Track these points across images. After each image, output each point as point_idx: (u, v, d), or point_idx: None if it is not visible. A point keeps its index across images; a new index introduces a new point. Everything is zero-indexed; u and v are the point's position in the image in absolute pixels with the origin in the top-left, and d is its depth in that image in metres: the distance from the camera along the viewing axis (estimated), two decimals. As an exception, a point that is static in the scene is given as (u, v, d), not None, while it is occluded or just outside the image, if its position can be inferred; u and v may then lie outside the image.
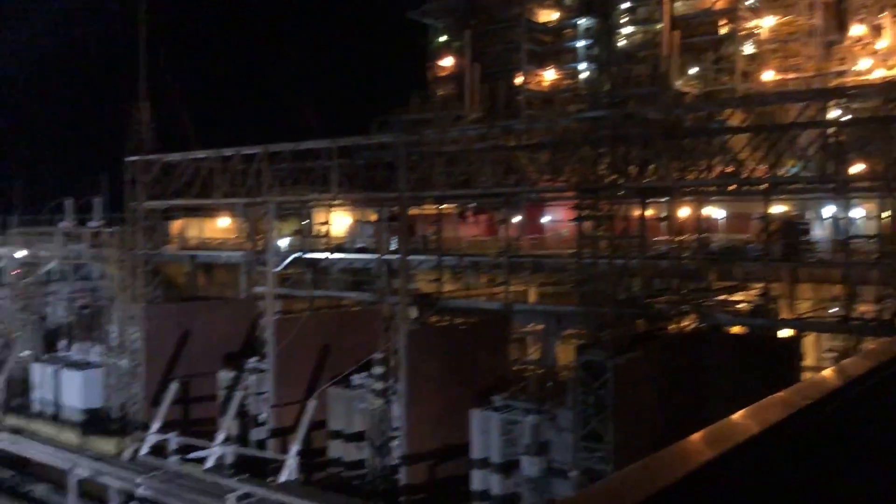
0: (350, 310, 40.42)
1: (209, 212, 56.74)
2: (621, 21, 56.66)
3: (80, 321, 47.00)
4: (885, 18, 51.37)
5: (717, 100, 48.37)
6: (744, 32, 54.45)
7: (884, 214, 29.63)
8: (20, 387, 46.51)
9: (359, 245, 46.32)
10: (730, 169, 27.90)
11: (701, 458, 2.93)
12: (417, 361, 30.68)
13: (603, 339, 25.85)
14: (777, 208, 37.37)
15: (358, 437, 34.09)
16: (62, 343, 47.33)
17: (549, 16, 64.18)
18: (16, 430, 41.87)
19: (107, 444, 39.17)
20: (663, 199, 33.36)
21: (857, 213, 36.47)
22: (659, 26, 54.62)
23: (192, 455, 35.48)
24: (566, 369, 33.00)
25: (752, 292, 32.57)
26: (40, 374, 44.80)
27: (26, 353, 47.72)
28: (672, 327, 29.21)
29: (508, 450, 29.43)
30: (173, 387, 37.74)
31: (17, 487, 37.56)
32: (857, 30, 52.15)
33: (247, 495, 30.56)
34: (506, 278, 35.57)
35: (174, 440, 36.22)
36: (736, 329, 29.98)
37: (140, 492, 33.29)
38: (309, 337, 35.89)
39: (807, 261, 33.38)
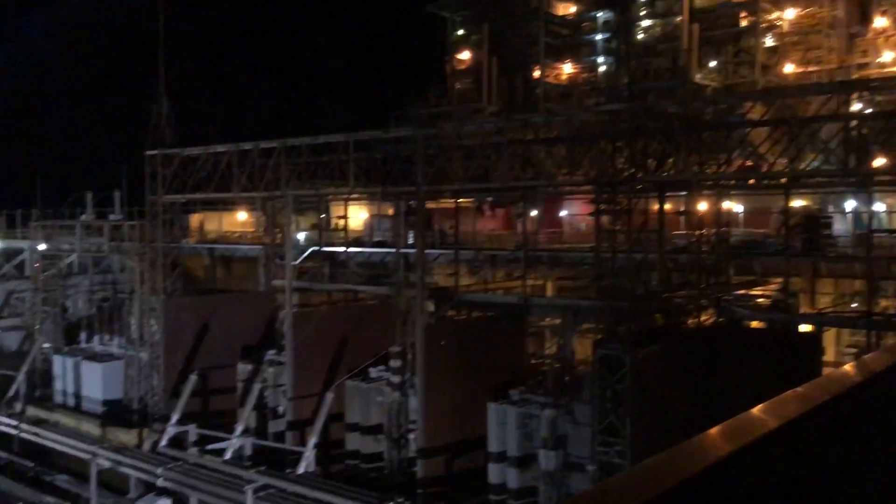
0: (367, 303, 40.53)
1: (228, 205, 57.10)
2: (640, 14, 56.26)
3: (101, 314, 47.44)
4: (908, 10, 50.66)
5: (736, 93, 47.92)
6: (765, 25, 53.88)
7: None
8: (42, 378, 47.09)
9: (376, 239, 46.46)
10: (749, 162, 27.70)
11: (719, 453, 2.91)
12: (434, 355, 30.72)
13: (621, 333, 25.76)
14: (797, 202, 37.05)
15: (375, 429, 34.22)
16: (83, 335, 47.83)
17: (567, 9, 63.80)
18: (38, 421, 42.39)
19: (127, 436, 39.59)
20: (682, 193, 33.13)
21: (880, 207, 36.07)
22: (678, 19, 54.14)
23: (211, 447, 35.77)
24: (583, 364, 32.92)
25: (772, 287, 32.32)
26: (61, 365, 45.32)
27: (48, 345, 48.29)
28: (690, 322, 29.05)
29: (525, 443, 29.46)
30: (192, 379, 38.03)
31: (39, 477, 38.00)
32: (880, 22, 51.47)
33: (265, 487, 30.75)
34: (523, 272, 35.51)
35: (193, 432, 36.54)
36: (755, 324, 29.76)
37: (160, 483, 33.60)
38: (326, 330, 36.05)
39: (828, 255, 33.08)
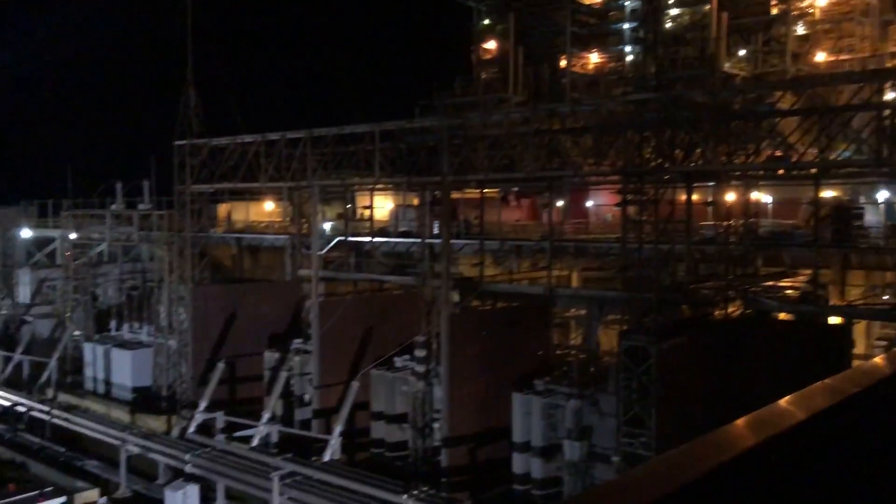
0: (392, 293, 40.67)
1: (255, 195, 57.49)
2: (668, 2, 55.61)
3: (130, 302, 48.05)
4: (944, -4, 49.60)
5: (766, 82, 47.28)
6: (796, 12, 53.03)
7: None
8: (73, 365, 47.86)
9: (401, 229, 46.55)
10: (779, 153, 27.34)
11: (744, 444, 2.91)
12: (459, 345, 30.77)
13: (646, 324, 25.64)
14: (828, 193, 36.54)
15: (400, 418, 34.39)
16: (113, 323, 48.51)
17: (594, -3, 63.26)
18: (69, 407, 43.11)
19: (156, 422, 40.14)
20: (710, 184, 32.83)
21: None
22: (707, 7, 53.45)
23: (238, 434, 36.17)
24: (609, 355, 32.82)
25: (801, 278, 31.96)
26: (92, 353, 46.02)
27: (78, 332, 49.04)
28: (717, 313, 28.83)
29: (549, 434, 29.46)
30: (220, 367, 38.43)
31: (70, 462, 38.67)
32: (915, 9, 50.44)
33: (291, 474, 31.02)
34: (548, 262, 35.42)
35: (221, 419, 36.94)
36: (783, 316, 29.46)
37: (188, 469, 34.03)
38: (352, 319, 36.24)
39: (859, 246, 32.61)
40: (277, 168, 38.69)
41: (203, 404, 37.34)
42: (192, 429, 36.94)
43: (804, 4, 53.35)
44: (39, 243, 59.83)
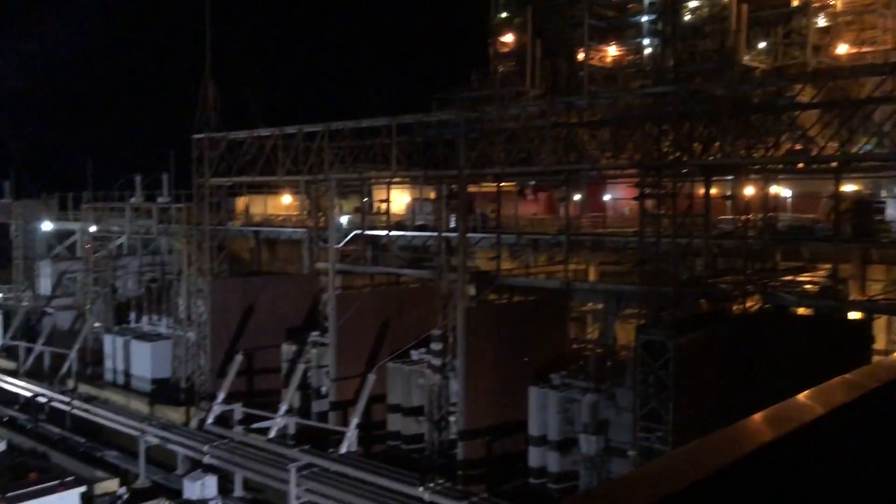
0: (409, 286, 40.74)
1: (273, 188, 57.70)
2: (687, -6, 55.13)
3: (150, 294, 48.44)
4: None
5: (786, 74, 46.83)
6: (817, 4, 52.43)
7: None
8: (93, 356, 48.34)
9: (418, 222, 46.57)
10: (798, 146, 27.09)
11: (762, 439, 2.90)
12: (475, 338, 30.79)
13: (664, 318, 25.53)
14: (848, 187, 36.17)
15: (416, 411, 34.49)
16: (132, 315, 48.92)
17: (612, -10, 62.83)
18: (89, 398, 43.56)
19: (174, 413, 40.47)
20: (728, 177, 32.58)
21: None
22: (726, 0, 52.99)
23: (256, 425, 36.40)
24: (626, 349, 32.72)
25: (820, 273, 31.69)
26: (112, 344, 46.45)
27: (98, 324, 49.51)
28: (736, 308, 28.66)
29: (566, 428, 29.45)
30: (238, 359, 38.67)
31: (90, 452, 39.09)
32: (938, 0, 49.75)
33: (308, 465, 31.21)
34: (565, 256, 35.33)
35: (239, 410, 37.19)
36: (802, 311, 29.24)
37: (206, 459, 34.32)
38: (369, 312, 36.35)
39: (880, 241, 32.28)
40: (295, 162, 38.81)
41: (221, 396, 37.61)
42: (210, 420, 37.24)
43: (825, -4, 52.73)
44: (60, 236, 60.49)
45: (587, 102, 34.91)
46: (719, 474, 2.62)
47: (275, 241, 53.10)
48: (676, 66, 28.22)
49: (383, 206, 44.87)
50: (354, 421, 33.32)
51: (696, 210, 27.84)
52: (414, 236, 44.20)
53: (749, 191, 34.58)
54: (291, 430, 35.99)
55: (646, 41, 58.62)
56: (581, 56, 59.59)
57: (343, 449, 32.64)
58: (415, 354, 35.23)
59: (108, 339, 46.98)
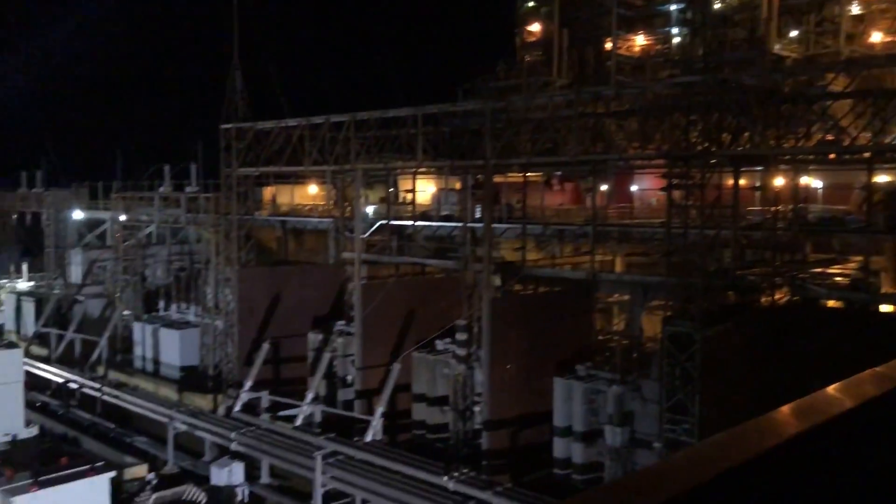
0: (434, 276, 40.81)
1: (299, 178, 58.01)
2: (717, -18, 54.38)
3: (178, 283, 48.97)
4: None
5: (818, 64, 46.10)
6: (851, -9, 51.49)
7: None
8: (123, 344, 49.03)
9: (443, 213, 46.59)
10: (830, 136, 26.68)
11: (790, 431, 2.88)
12: (500, 329, 30.78)
13: (691, 310, 25.34)
14: (881, 178, 35.58)
15: (441, 401, 34.58)
16: (161, 303, 49.51)
17: (641, -22, 62.14)
18: (119, 385, 44.21)
19: (202, 401, 40.95)
20: (758, 168, 32.20)
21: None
22: (758, -13, 52.16)
23: (282, 413, 36.73)
24: (652, 341, 32.54)
25: (851, 265, 31.25)
26: (141, 332, 47.06)
27: (128, 312, 50.18)
28: (764, 300, 28.36)
29: (591, 419, 29.38)
30: (265, 347, 39.01)
31: (119, 438, 39.70)
32: (977, -13, 48.63)
33: (334, 453, 31.46)
34: (591, 247, 35.17)
35: (265, 398, 37.55)
36: (832, 303, 28.87)
37: (233, 446, 34.72)
38: (394, 302, 36.47)
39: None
40: (321, 152, 38.95)
41: (248, 384, 37.99)
42: (237, 408, 37.64)
43: (860, -17, 51.73)
44: (90, 225, 61.32)
45: (614, 92, 34.62)
46: (746, 466, 2.60)
47: (301, 230, 53.40)
48: (705, 56, 27.87)
49: (409, 196, 44.95)
50: (379, 410, 33.49)
51: (724, 201, 27.55)
52: (439, 226, 44.23)
53: (779, 181, 34.16)
54: (317, 419, 36.28)
55: (674, 30, 57.97)
56: (608, 45, 59.09)
57: (368, 437, 32.84)
58: (440, 344, 35.31)
59: (137, 327, 47.61)
